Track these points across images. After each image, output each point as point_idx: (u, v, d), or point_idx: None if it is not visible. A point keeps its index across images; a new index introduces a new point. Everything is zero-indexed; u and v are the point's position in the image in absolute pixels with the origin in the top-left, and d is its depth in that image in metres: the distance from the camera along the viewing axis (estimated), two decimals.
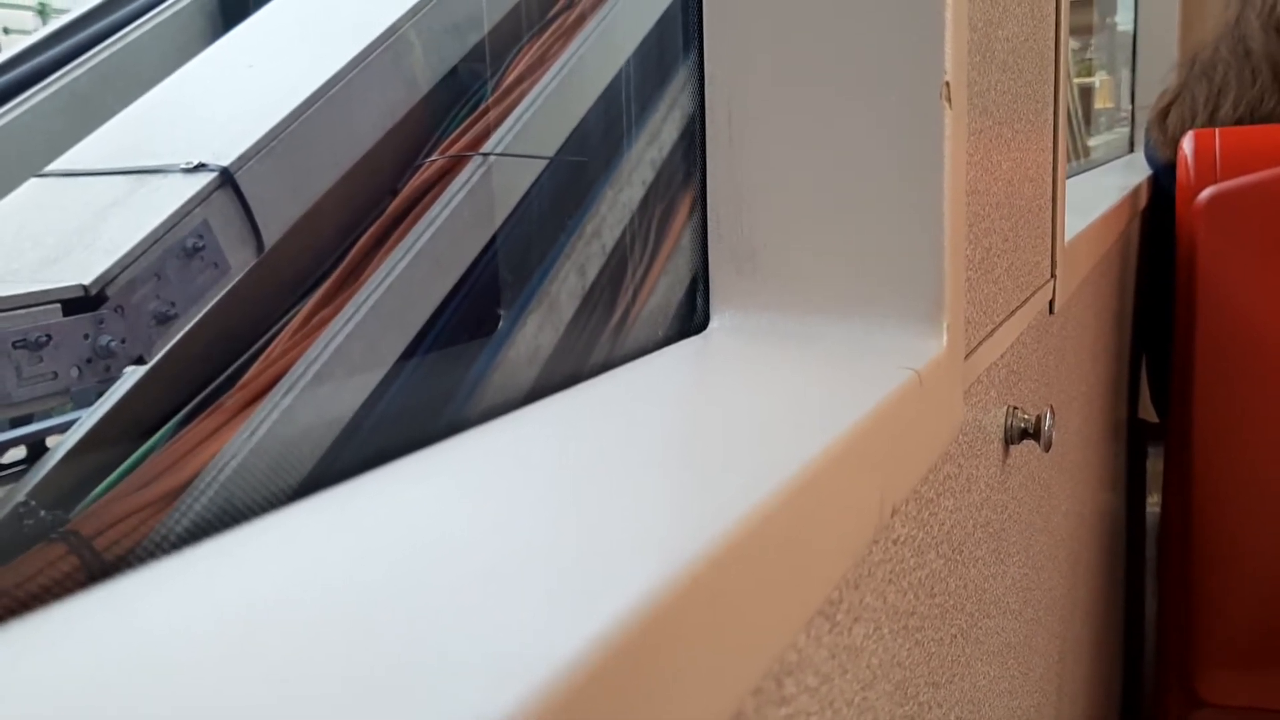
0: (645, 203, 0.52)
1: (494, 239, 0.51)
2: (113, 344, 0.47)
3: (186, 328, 0.50)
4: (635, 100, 0.53)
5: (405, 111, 0.61)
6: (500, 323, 0.48)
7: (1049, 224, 0.75)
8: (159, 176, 0.55)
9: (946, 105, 0.43)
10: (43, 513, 0.31)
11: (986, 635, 0.61)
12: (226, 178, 0.54)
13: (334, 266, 0.50)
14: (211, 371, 0.44)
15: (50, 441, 0.44)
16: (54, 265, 0.50)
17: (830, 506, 0.30)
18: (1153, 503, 1.70)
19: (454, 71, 0.63)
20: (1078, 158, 2.09)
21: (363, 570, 0.22)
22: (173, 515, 0.28)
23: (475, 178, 0.52)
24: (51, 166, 0.58)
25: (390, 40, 0.62)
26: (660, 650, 0.20)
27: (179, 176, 0.54)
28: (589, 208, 0.51)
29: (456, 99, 0.61)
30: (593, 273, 0.50)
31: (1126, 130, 2.42)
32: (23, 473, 0.37)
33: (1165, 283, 1.40)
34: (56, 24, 0.71)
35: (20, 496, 0.34)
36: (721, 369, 0.43)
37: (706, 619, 0.22)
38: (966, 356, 0.50)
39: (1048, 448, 0.64)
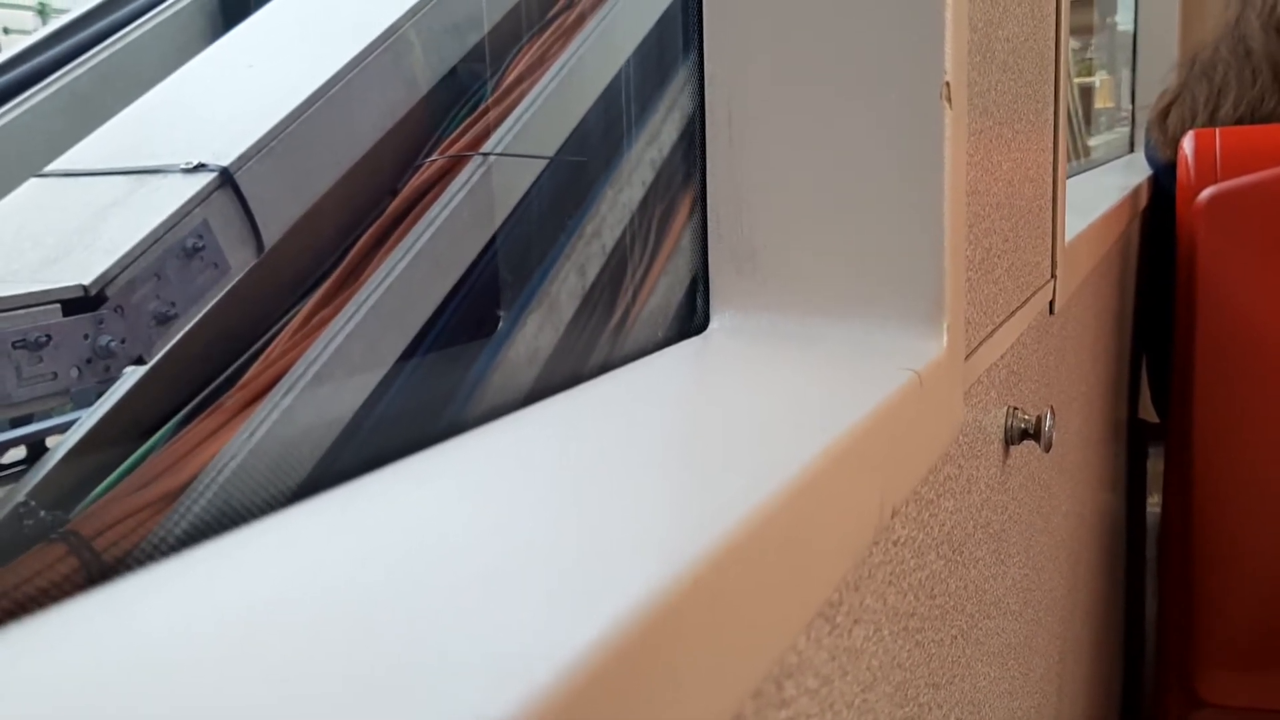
0: (645, 203, 0.52)
1: (494, 239, 0.51)
2: (112, 344, 0.47)
3: (186, 328, 0.50)
4: (635, 100, 0.53)
5: (405, 111, 0.61)
6: (500, 323, 0.48)
7: (1049, 224, 0.75)
8: (159, 176, 0.55)
9: (946, 105, 0.43)
10: (42, 513, 0.31)
11: (987, 636, 0.61)
12: (226, 178, 0.54)
13: (334, 267, 0.50)
14: (211, 372, 0.44)
15: (50, 442, 0.44)
16: (54, 265, 0.50)
17: (830, 508, 0.30)
18: (1153, 503, 1.70)
19: (454, 71, 0.63)
20: (1078, 158, 2.09)
21: (363, 571, 0.22)
22: (172, 516, 0.28)
23: (475, 178, 0.52)
24: (51, 166, 0.58)
25: (390, 40, 0.62)
26: (660, 651, 0.20)
27: (179, 176, 0.54)
28: (589, 208, 0.51)
29: (456, 99, 0.61)
30: (593, 273, 0.50)
31: (1127, 130, 2.42)
32: (23, 473, 0.37)
33: (1165, 283, 1.40)
34: (56, 24, 0.71)
35: (20, 497, 0.34)
36: (721, 370, 0.43)
37: (706, 620, 0.22)
38: (967, 357, 0.50)
39: (1048, 448, 0.64)
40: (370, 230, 0.52)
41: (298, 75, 0.59)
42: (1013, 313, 0.63)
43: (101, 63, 0.67)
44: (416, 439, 0.30)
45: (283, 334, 0.46)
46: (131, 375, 0.45)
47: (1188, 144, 1.36)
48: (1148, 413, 1.65)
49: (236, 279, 0.53)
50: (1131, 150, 2.33)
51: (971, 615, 0.57)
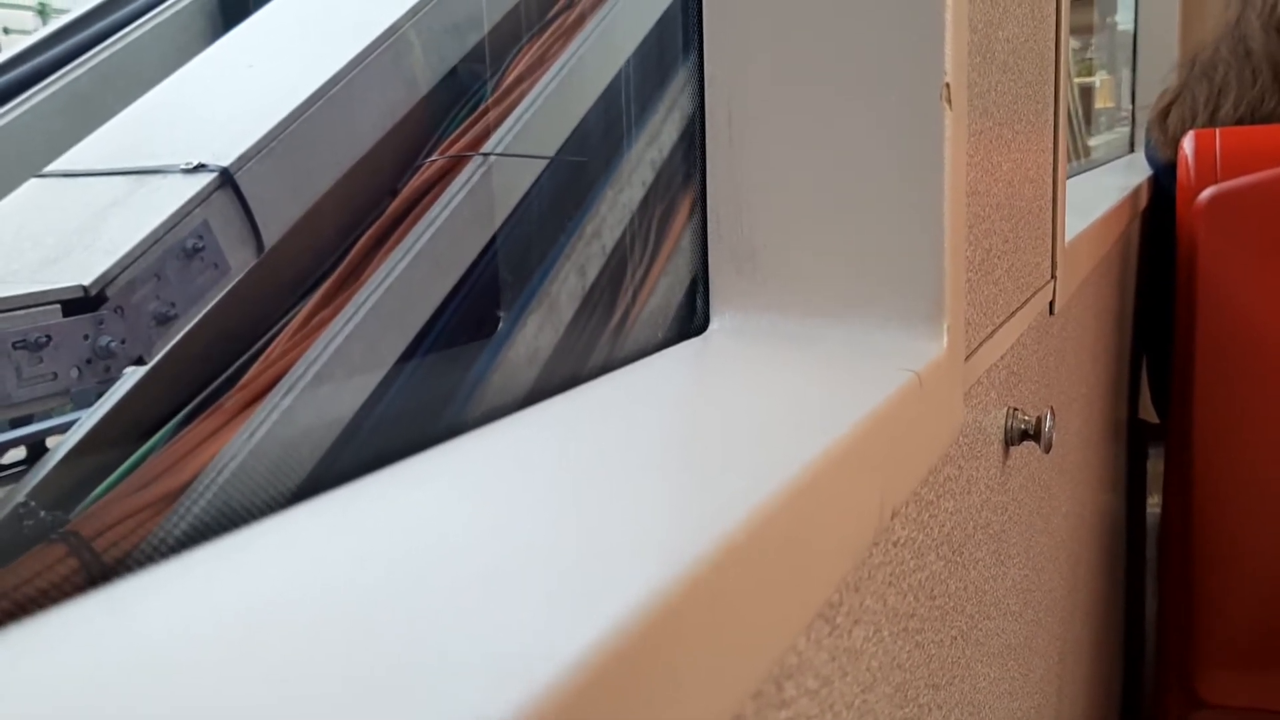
0: (645, 203, 0.52)
1: (494, 240, 0.51)
2: (112, 344, 0.47)
3: (186, 328, 0.50)
4: (635, 100, 0.53)
5: (405, 112, 0.61)
6: (500, 324, 0.48)
7: (1049, 225, 0.75)
8: (159, 177, 0.55)
9: (947, 106, 0.43)
10: (43, 513, 0.31)
11: (987, 637, 0.61)
12: (226, 178, 0.54)
13: (334, 267, 0.50)
14: (211, 372, 0.44)
15: (50, 442, 0.44)
16: (54, 265, 0.50)
17: (830, 509, 0.30)
18: (1153, 503, 1.70)
19: (454, 71, 0.63)
20: (1078, 158, 2.09)
21: (363, 572, 0.22)
22: (172, 517, 0.28)
23: (475, 178, 0.52)
24: (51, 167, 0.58)
25: (390, 40, 0.62)
26: (660, 652, 0.20)
27: (179, 177, 0.54)
28: (589, 208, 0.51)
29: (456, 99, 0.61)
30: (593, 274, 0.50)
31: (1127, 130, 2.42)
32: (23, 473, 0.37)
33: (1165, 283, 1.40)
34: (56, 24, 0.71)
35: (20, 497, 0.34)
36: (721, 371, 0.43)
37: (706, 621, 0.22)
38: (967, 358, 0.50)
39: (1048, 449, 0.64)
40: (370, 230, 0.52)
41: (298, 75, 0.60)
42: (1013, 313, 0.63)
43: (102, 63, 0.67)
44: (416, 440, 0.30)
45: (283, 334, 0.46)
46: (131, 376, 0.45)
47: (1188, 144, 1.36)
48: (1148, 413, 1.65)
49: (236, 279, 0.53)
50: (1131, 150, 2.33)
51: (971, 616, 0.57)
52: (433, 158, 0.56)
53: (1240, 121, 1.44)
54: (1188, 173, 1.34)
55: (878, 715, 0.40)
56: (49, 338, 0.45)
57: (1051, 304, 0.77)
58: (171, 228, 0.51)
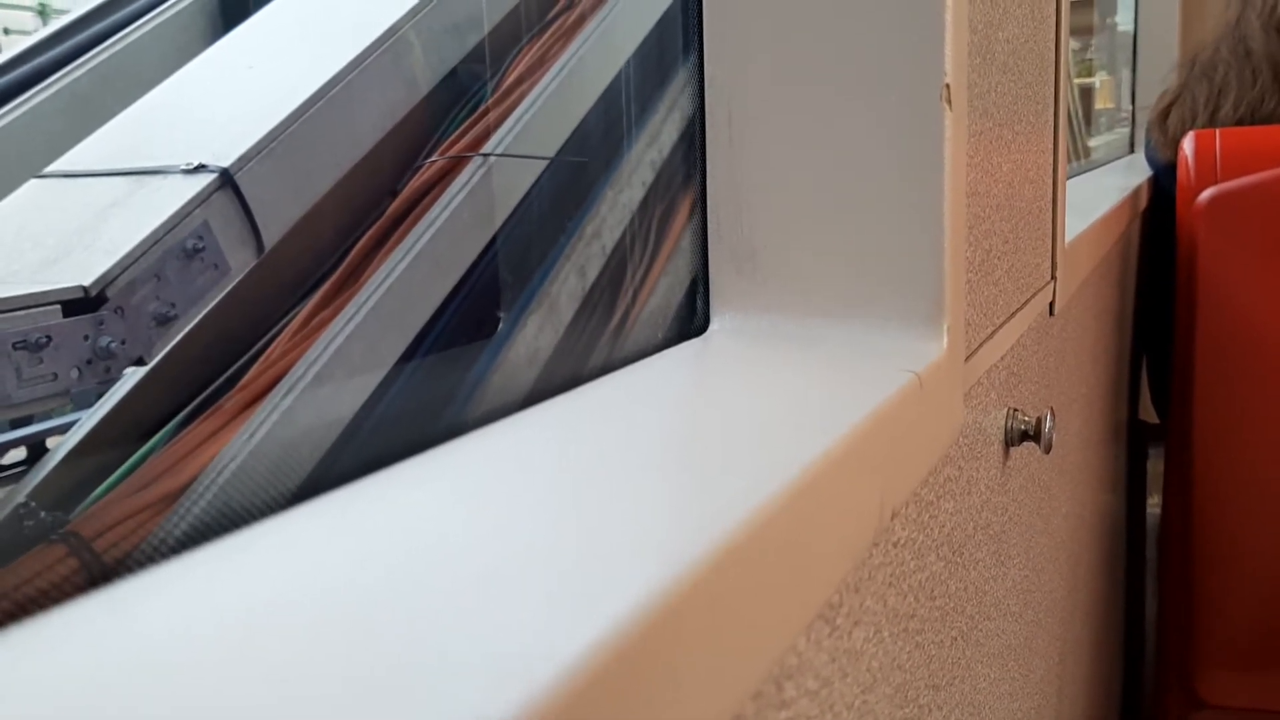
0: (645, 204, 0.52)
1: (494, 240, 0.51)
2: (113, 345, 0.47)
3: (186, 329, 0.50)
4: (635, 101, 0.53)
5: (405, 112, 0.61)
6: (500, 325, 0.48)
7: (1049, 225, 0.75)
8: (159, 177, 0.55)
9: (947, 107, 0.43)
10: (43, 514, 0.31)
11: (987, 637, 0.61)
12: (226, 179, 0.54)
13: (334, 268, 0.50)
14: (211, 373, 0.44)
15: (50, 443, 0.44)
16: (54, 266, 0.50)
17: (830, 509, 0.30)
18: (1153, 504, 1.70)
19: (454, 72, 0.63)
20: (1078, 158, 2.09)
21: (363, 573, 0.22)
22: (173, 517, 0.28)
23: (475, 179, 0.52)
24: (51, 167, 0.58)
25: (390, 41, 0.62)
26: (660, 653, 0.20)
27: (179, 177, 0.54)
28: (589, 209, 0.51)
29: (456, 100, 0.61)
30: (593, 274, 0.50)
31: (1127, 131, 2.42)
32: (23, 474, 0.37)
33: (1165, 283, 1.40)
34: (56, 24, 0.71)
35: (20, 498, 0.34)
36: (721, 371, 0.43)
37: (706, 622, 0.22)
38: (967, 359, 0.50)
39: (1048, 450, 0.64)
40: (370, 231, 0.52)
41: (298, 76, 0.60)
42: (1013, 314, 0.63)
43: (102, 64, 0.67)
44: (416, 441, 0.30)
45: (283, 335, 0.46)
46: (132, 376, 0.45)
47: (1188, 145, 1.36)
48: (1148, 413, 1.65)
49: (237, 280, 0.53)
50: (1131, 151, 2.33)
51: (971, 617, 0.57)
52: (433, 158, 0.56)
53: (1240, 122, 1.44)
54: (1188, 173, 1.34)
55: (878, 716, 0.40)
56: (49, 338, 0.45)
57: (1051, 305, 0.77)
58: (172, 228, 0.51)
